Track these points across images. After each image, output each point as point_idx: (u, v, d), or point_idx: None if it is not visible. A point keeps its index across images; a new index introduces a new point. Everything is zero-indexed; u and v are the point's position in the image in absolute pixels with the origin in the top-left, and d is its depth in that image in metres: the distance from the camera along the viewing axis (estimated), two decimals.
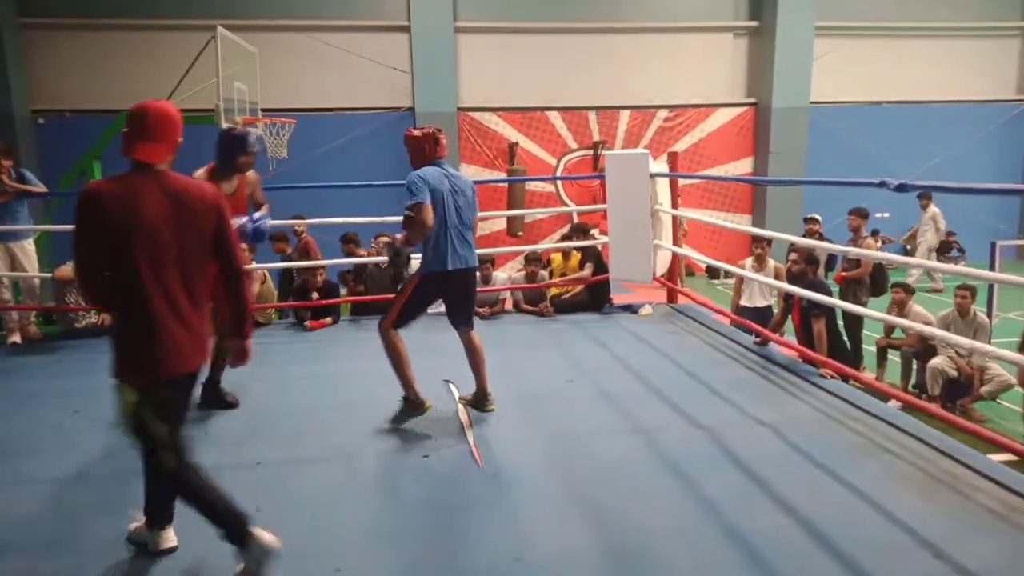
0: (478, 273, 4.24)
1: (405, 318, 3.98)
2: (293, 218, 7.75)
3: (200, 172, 4.00)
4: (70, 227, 6.15)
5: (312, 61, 11.75)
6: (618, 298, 6.84)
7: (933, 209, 11.35)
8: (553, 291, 6.71)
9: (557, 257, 6.99)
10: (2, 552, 2.73)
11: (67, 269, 6.07)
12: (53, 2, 10.96)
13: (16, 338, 6.01)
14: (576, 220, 10.65)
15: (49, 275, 6.09)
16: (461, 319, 4.08)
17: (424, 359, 5.09)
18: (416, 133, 3.88)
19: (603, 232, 8.54)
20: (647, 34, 12.96)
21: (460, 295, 4.02)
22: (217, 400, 4.19)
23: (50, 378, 5.01)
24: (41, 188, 6.16)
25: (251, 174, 4.37)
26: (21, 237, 6.05)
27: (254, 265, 6.36)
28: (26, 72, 10.98)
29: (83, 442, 3.74)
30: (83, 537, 2.82)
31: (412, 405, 3.88)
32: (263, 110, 8.77)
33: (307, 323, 6.28)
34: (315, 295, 6.38)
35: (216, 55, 7.45)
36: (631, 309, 6.53)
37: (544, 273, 6.71)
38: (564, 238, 7.63)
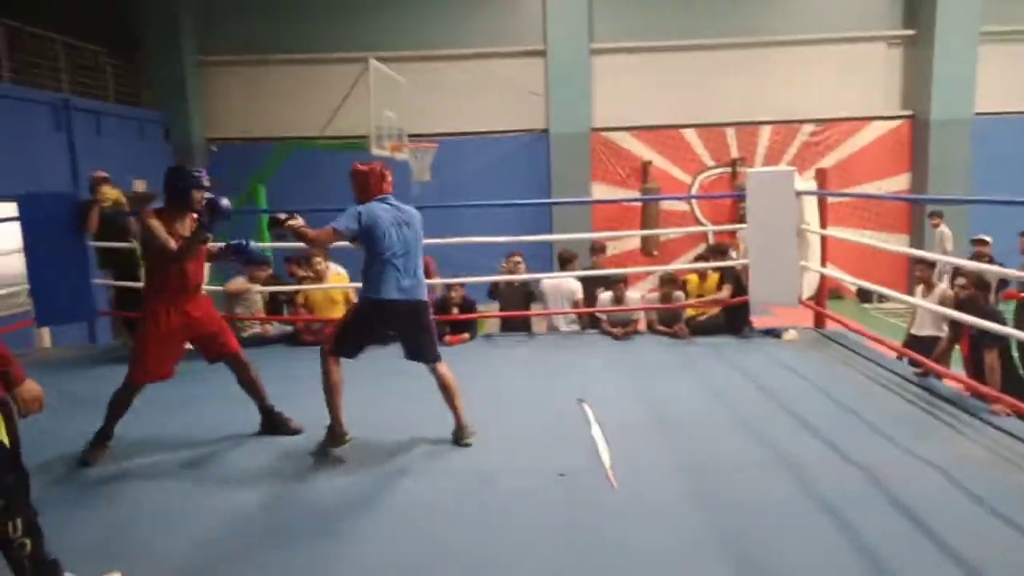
0: (428, 309, 3.99)
1: (345, 344, 3.89)
2: None
3: (149, 213, 3.85)
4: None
5: (453, 88, 12.26)
6: (759, 321, 6.57)
7: None
8: (689, 312, 6.55)
9: (693, 278, 6.82)
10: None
11: (237, 283, 6.66)
12: (228, 42, 12.18)
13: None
14: (712, 239, 10.37)
15: (221, 288, 6.69)
16: (423, 355, 3.98)
17: (556, 378, 5.18)
18: (362, 168, 3.88)
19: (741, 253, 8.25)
20: (791, 47, 12.46)
21: (409, 329, 3.92)
22: (280, 426, 4.17)
23: (219, 385, 5.46)
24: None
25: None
26: None
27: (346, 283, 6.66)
28: (203, 105, 12.26)
29: (246, 443, 4.08)
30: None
31: (333, 436, 3.86)
32: (408, 135, 9.24)
33: (446, 338, 6.49)
34: (455, 310, 6.59)
35: (369, 85, 7.95)
36: (774, 333, 6.24)
37: (679, 294, 6.56)
38: (699, 258, 7.42)
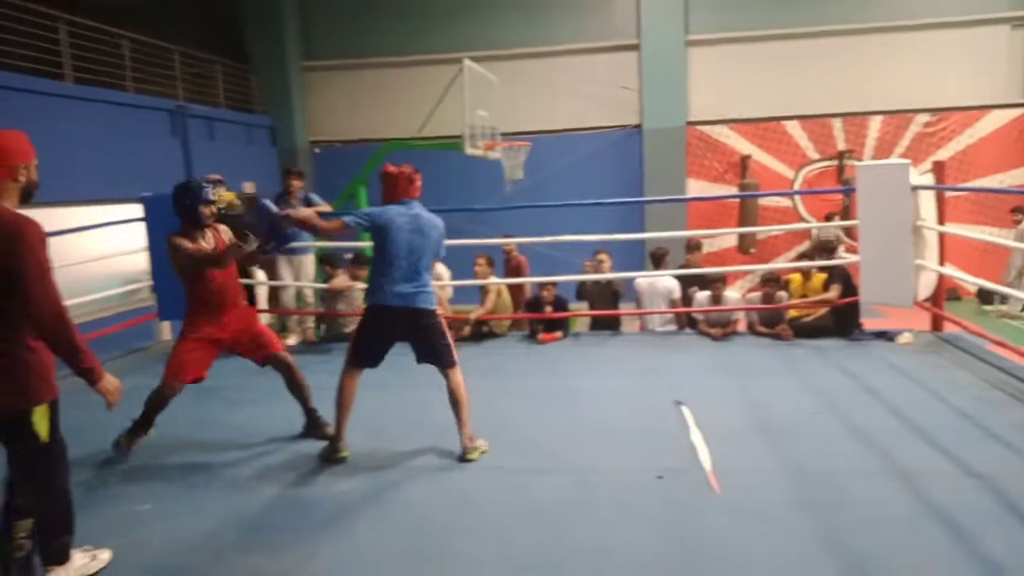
0: (435, 317, 3.82)
1: (361, 354, 3.86)
2: (504, 237, 8.14)
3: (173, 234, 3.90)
4: (343, 244, 6.94)
5: (544, 85, 12.25)
6: (869, 323, 6.23)
7: None
8: (792, 313, 6.29)
9: (796, 277, 6.54)
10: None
11: (340, 281, 6.91)
12: (329, 47, 12.65)
13: (293, 340, 6.96)
14: (816, 236, 9.92)
15: (325, 285, 6.95)
16: (434, 359, 3.88)
17: (652, 378, 5.08)
18: (391, 170, 3.83)
19: (848, 250, 7.85)
20: (903, 32, 11.72)
21: (412, 336, 3.83)
22: (315, 429, 4.18)
23: (325, 375, 5.69)
24: (325, 207, 7.08)
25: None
26: (303, 252, 7.00)
27: (493, 280, 6.77)
28: (306, 109, 12.78)
29: (353, 427, 4.21)
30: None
31: (331, 449, 3.81)
32: (501, 134, 9.30)
33: (539, 336, 6.51)
34: (548, 308, 6.59)
35: (463, 85, 8.05)
36: (886, 336, 5.90)
37: (782, 293, 6.31)
38: (803, 256, 7.11)
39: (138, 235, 6.89)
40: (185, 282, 3.95)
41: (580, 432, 4.11)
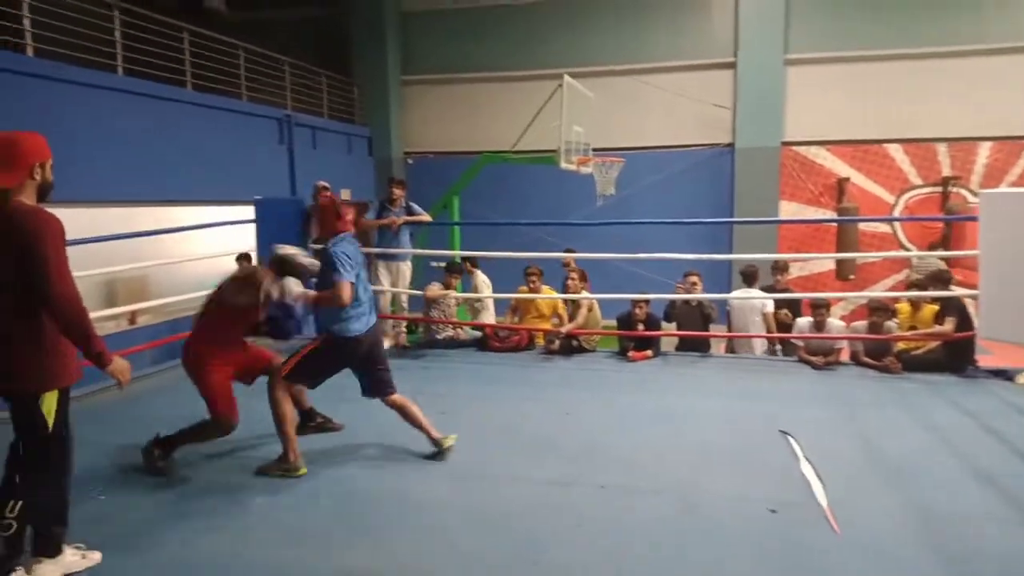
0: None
1: (302, 373, 3.87)
2: (565, 251, 8.12)
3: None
4: (435, 252, 7.08)
5: (638, 101, 12.19)
6: (985, 360, 5.90)
7: None
8: (900, 345, 6.02)
9: (904, 307, 6.27)
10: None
11: (434, 289, 7.05)
12: (426, 62, 12.98)
13: (387, 344, 7.11)
14: (917, 265, 9.49)
15: (420, 292, 7.10)
16: (380, 387, 3.99)
17: (751, 403, 4.97)
18: (334, 202, 4.05)
19: (961, 283, 7.46)
20: (1017, 55, 11.09)
21: (368, 359, 3.94)
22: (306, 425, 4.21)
23: (420, 381, 5.82)
24: (425, 217, 7.26)
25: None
26: (401, 259, 7.17)
27: (585, 295, 6.77)
28: (402, 121, 13.14)
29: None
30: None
31: (288, 465, 3.73)
32: (594, 149, 9.30)
33: (629, 354, 6.46)
34: (640, 327, 6.53)
35: (562, 101, 8.09)
36: (1005, 375, 5.57)
37: (892, 324, 6.05)
38: (913, 286, 6.79)
39: (242, 236, 7.25)
40: (230, 316, 3.80)
41: (681, 453, 4.05)
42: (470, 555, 2.95)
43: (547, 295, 7.02)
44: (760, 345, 6.75)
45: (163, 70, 8.37)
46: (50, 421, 2.57)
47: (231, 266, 8.53)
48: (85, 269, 5.98)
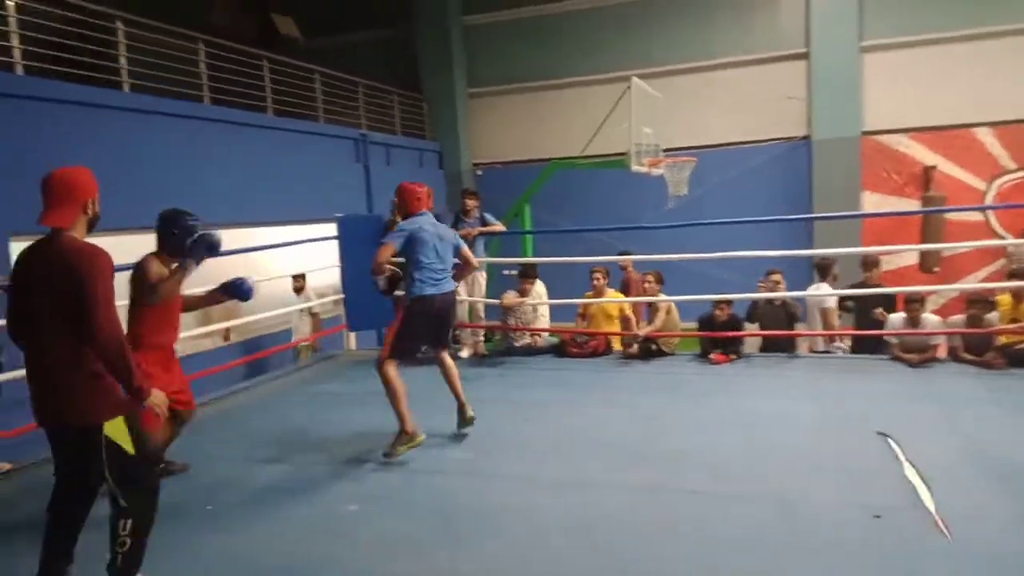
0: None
1: (401, 350, 4.29)
2: (620, 254, 8.02)
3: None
4: (508, 259, 7.19)
5: (707, 99, 11.99)
6: None
7: None
8: (1002, 339, 5.71)
9: (1005, 299, 5.95)
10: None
11: (511, 297, 7.12)
12: (491, 74, 13.15)
13: (465, 352, 7.23)
14: (1011, 254, 8.96)
15: (497, 301, 7.19)
16: (440, 342, 4.55)
17: (845, 405, 4.80)
18: (412, 187, 4.51)
19: None
20: None
21: (440, 321, 4.44)
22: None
23: (500, 389, 5.90)
24: (500, 227, 7.36)
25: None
26: (479, 268, 7.27)
27: (663, 297, 6.70)
28: (470, 133, 13.34)
29: (537, 444, 4.32)
30: None
31: (407, 437, 4.15)
32: (664, 150, 9.20)
33: (711, 356, 6.35)
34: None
35: (630, 103, 8.05)
36: None
37: (992, 316, 5.75)
38: (1013, 275, 6.43)
39: (324, 253, 7.51)
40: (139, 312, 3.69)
41: (773, 458, 3.96)
42: (561, 563, 2.96)
43: (612, 298, 7.01)
44: (818, 343, 6.59)
45: (245, 97, 8.77)
46: (127, 446, 2.60)
47: (318, 281, 8.89)
48: (186, 289, 6.32)
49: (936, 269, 10.82)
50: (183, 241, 3.74)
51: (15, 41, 6.17)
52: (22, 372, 5.19)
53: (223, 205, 7.93)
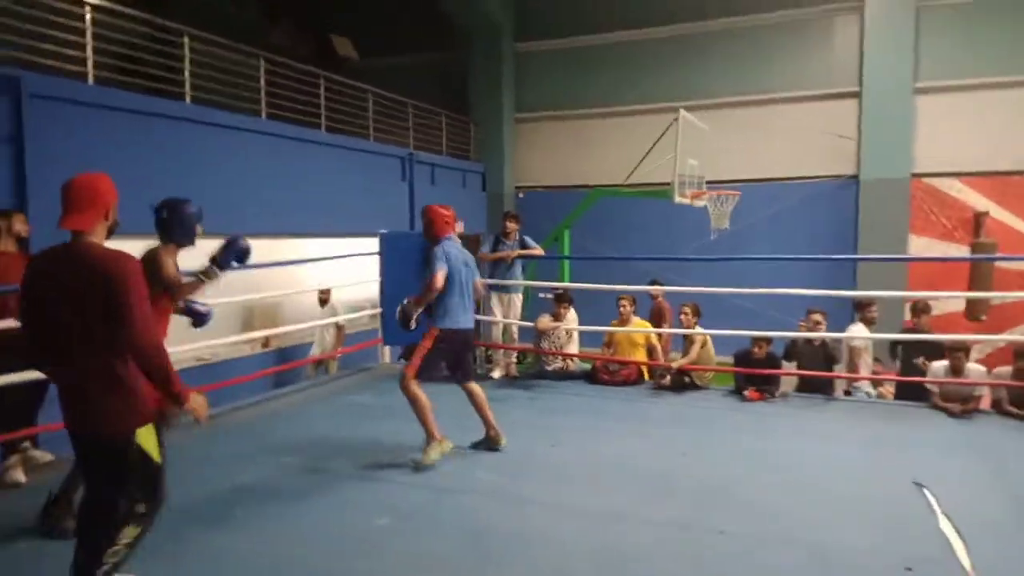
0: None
1: (425, 369, 4.43)
2: (651, 283, 7.98)
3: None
4: (542, 283, 7.24)
5: (755, 133, 11.95)
6: None
7: None
8: None
9: None
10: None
11: (545, 321, 7.16)
12: (539, 100, 13.33)
13: (497, 373, 7.27)
14: None
15: (531, 324, 7.23)
16: (464, 373, 4.67)
17: (881, 451, 4.70)
18: (440, 210, 4.62)
19: None
20: None
21: (463, 350, 4.65)
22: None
23: (530, 412, 5.92)
24: (538, 251, 7.41)
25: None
26: (513, 290, 7.34)
27: (699, 330, 6.67)
28: (514, 156, 13.50)
29: (567, 470, 4.33)
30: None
31: (437, 443, 4.37)
32: (707, 182, 9.19)
33: (747, 393, 6.28)
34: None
35: (676, 134, 8.08)
36: None
37: None
38: None
39: (365, 267, 7.66)
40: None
41: (807, 502, 3.90)
42: None
43: (640, 328, 7.01)
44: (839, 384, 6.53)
45: (300, 113, 9.04)
46: (155, 455, 2.57)
47: (354, 294, 9.05)
48: (229, 296, 6.50)
49: (983, 317, 10.53)
50: (174, 225, 3.55)
51: (88, 51, 6.48)
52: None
53: (274, 216, 8.17)
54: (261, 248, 7.91)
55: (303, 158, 8.82)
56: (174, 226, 3.57)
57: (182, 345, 5.52)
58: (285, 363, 8.29)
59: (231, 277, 5.86)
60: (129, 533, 2.52)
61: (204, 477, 4.10)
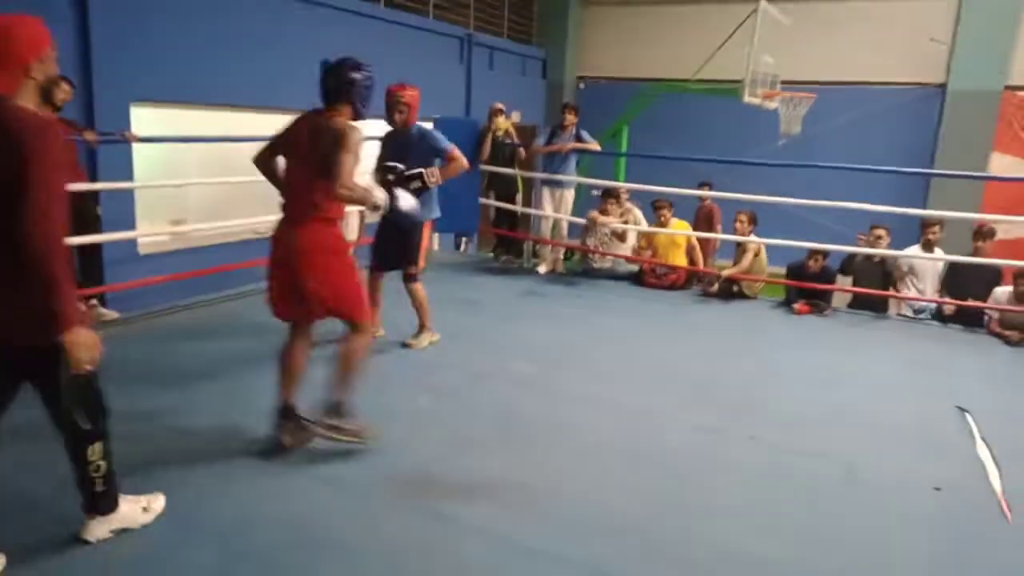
0: None
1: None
2: (700, 186, 7.68)
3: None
4: (589, 180, 7.03)
5: (839, 31, 11.11)
6: None
7: None
8: None
9: None
10: None
11: (595, 215, 7.06)
12: None
13: (544, 268, 7.27)
14: None
15: (582, 220, 7.14)
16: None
17: (928, 373, 4.61)
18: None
19: None
20: None
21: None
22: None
23: (574, 309, 5.95)
24: (594, 146, 7.19)
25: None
26: (566, 185, 7.20)
27: (753, 239, 6.50)
28: (578, 44, 12.89)
29: (605, 368, 4.40)
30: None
31: (429, 333, 4.64)
32: (782, 82, 8.67)
33: (795, 306, 6.17)
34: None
35: (754, 27, 7.56)
36: None
37: None
38: None
39: None
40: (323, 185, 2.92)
41: (845, 418, 3.88)
42: (608, 482, 3.05)
43: (678, 229, 6.88)
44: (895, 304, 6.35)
45: None
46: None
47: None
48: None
49: None
50: (365, 92, 3.08)
51: None
52: (130, 234, 5.63)
53: (313, 93, 7.96)
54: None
55: (359, 33, 8.58)
56: (360, 99, 3.10)
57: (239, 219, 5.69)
58: None
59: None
60: (92, 452, 2.28)
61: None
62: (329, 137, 2.90)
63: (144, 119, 6.23)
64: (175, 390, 3.72)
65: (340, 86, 3.01)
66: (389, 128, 4.43)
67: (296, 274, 2.96)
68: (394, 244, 4.39)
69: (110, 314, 4.91)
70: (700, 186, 8.01)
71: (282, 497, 2.77)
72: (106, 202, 5.40)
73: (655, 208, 6.88)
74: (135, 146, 5.95)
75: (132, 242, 5.98)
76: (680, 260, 6.88)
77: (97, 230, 5.09)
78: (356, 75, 3.03)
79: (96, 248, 5.13)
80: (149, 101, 6.32)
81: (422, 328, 4.65)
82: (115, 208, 5.62)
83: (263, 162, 3.18)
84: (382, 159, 4.32)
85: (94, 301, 4.78)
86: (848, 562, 2.57)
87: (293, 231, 2.99)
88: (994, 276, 5.90)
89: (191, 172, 6.56)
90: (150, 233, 6.20)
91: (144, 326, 4.83)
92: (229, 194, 6.42)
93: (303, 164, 2.99)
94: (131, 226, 5.86)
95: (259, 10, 7.24)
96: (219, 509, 2.66)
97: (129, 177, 5.94)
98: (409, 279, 4.50)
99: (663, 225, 6.85)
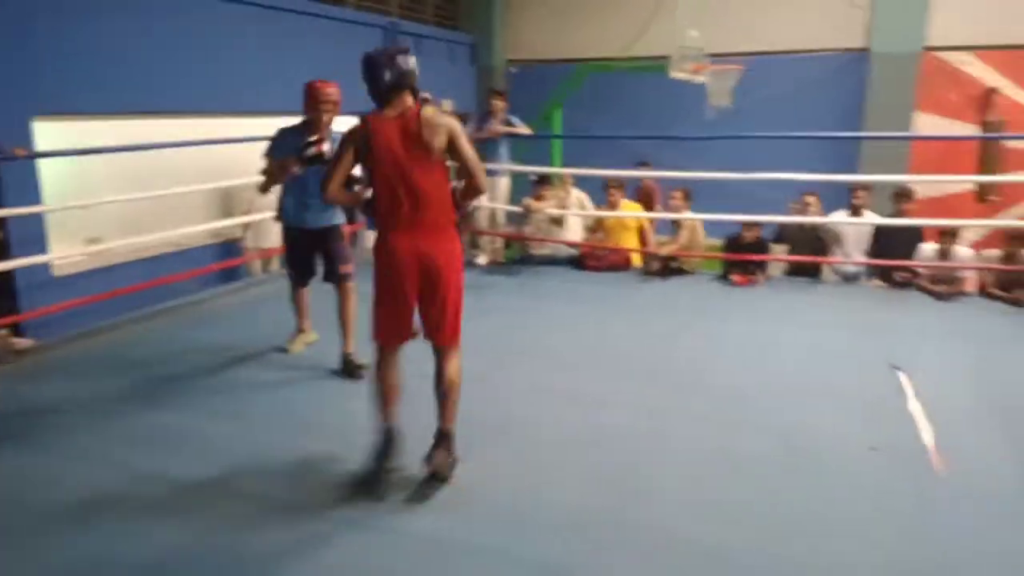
0: None
1: None
2: (637, 164, 7.81)
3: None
4: (523, 168, 6.87)
5: (764, 3, 11.23)
6: None
7: None
8: None
9: None
10: None
11: (528, 202, 6.98)
12: None
13: (483, 260, 7.18)
14: None
15: (518, 208, 7.05)
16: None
17: (863, 335, 4.69)
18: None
19: None
20: None
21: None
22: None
23: (515, 299, 5.89)
24: (524, 129, 7.06)
25: None
26: (498, 174, 7.10)
27: (688, 215, 6.52)
28: (506, 27, 12.72)
29: (548, 357, 4.34)
30: None
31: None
32: (711, 55, 8.68)
33: (733, 277, 6.23)
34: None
35: (677, 2, 7.55)
36: None
37: None
38: None
39: None
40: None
41: (783, 387, 3.92)
42: (553, 476, 3.00)
43: (630, 211, 6.86)
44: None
45: None
46: None
47: None
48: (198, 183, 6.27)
49: (994, 198, 10.29)
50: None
51: None
52: (42, 257, 5.31)
53: (222, 92, 7.55)
54: (214, 127, 7.32)
55: (279, 29, 8.28)
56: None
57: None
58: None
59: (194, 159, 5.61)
60: None
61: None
62: (444, 131, 2.79)
63: (51, 134, 5.86)
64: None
65: (401, 77, 2.85)
66: (296, 123, 4.29)
67: (436, 288, 2.84)
68: (318, 250, 4.26)
69: (23, 343, 4.63)
70: (638, 165, 8.01)
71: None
72: (13, 225, 5.08)
73: (606, 191, 6.82)
74: (42, 161, 5.61)
75: (45, 264, 5.64)
76: (632, 242, 6.87)
77: (5, 256, 4.79)
78: (411, 61, 2.91)
79: (5, 275, 4.83)
80: (55, 114, 5.95)
81: (300, 331, 4.53)
82: (24, 231, 5.30)
83: (340, 190, 2.90)
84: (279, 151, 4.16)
85: (3, 331, 4.50)
86: (786, 532, 2.57)
87: (430, 241, 2.81)
88: (916, 235, 6.04)
89: (105, 186, 6.20)
90: (62, 257, 5.68)
91: (58, 356, 4.54)
92: (149, 206, 6.12)
93: (419, 166, 2.77)
94: (42, 248, 5.51)
95: (169, 9, 6.89)
96: None
97: (36, 196, 5.58)
98: (344, 278, 4.27)
99: (613, 207, 6.80)
